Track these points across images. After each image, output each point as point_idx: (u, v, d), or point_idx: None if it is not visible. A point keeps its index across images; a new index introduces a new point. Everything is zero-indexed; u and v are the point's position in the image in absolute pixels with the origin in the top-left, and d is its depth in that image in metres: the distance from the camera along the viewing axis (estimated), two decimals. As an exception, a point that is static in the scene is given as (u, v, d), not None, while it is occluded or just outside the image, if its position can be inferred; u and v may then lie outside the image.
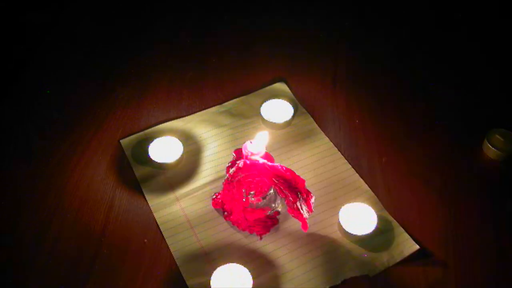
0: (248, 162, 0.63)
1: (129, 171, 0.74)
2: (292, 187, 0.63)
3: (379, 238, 0.67)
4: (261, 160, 0.63)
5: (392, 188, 0.73)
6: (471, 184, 0.74)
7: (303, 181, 0.63)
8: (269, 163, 0.63)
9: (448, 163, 0.76)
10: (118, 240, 0.67)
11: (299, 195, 0.63)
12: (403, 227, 0.68)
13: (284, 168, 0.63)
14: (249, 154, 0.63)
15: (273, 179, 0.63)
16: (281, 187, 0.63)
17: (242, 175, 0.64)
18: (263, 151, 0.66)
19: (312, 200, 0.63)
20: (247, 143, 0.64)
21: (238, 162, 0.65)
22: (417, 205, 0.71)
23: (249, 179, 0.65)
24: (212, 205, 0.69)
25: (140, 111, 0.83)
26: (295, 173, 0.63)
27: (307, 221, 0.65)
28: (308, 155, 0.76)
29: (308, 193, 0.63)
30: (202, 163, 0.75)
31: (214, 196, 0.70)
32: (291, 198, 0.63)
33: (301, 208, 0.64)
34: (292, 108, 0.80)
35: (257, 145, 0.64)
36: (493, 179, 0.74)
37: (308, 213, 0.63)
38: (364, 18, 1.02)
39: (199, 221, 0.69)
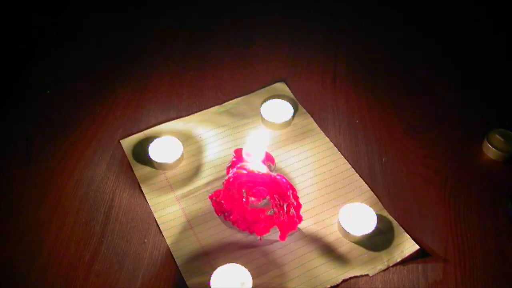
0: (249, 168, 0.64)
1: (129, 171, 0.75)
2: (287, 205, 0.63)
3: (379, 238, 0.67)
4: (263, 169, 0.64)
5: (392, 188, 0.73)
6: (471, 184, 0.74)
7: (300, 205, 0.64)
8: (273, 174, 0.63)
9: (448, 163, 0.76)
10: (118, 240, 0.67)
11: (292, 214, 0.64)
12: (403, 227, 0.68)
13: (289, 185, 0.63)
14: (248, 159, 0.64)
15: (274, 195, 0.64)
16: (278, 204, 0.64)
17: (244, 179, 0.65)
18: (263, 155, 0.67)
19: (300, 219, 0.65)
20: (246, 150, 0.64)
21: (240, 164, 0.65)
22: (417, 205, 0.71)
23: (250, 184, 0.65)
24: (216, 212, 0.69)
25: (140, 111, 0.83)
26: (296, 193, 0.64)
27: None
28: (308, 155, 0.76)
29: (300, 218, 0.65)
30: (202, 163, 0.75)
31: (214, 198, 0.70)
32: (281, 218, 0.64)
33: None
34: (292, 108, 0.80)
35: (256, 151, 0.65)
36: (493, 179, 0.74)
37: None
38: (364, 18, 1.02)
39: (199, 221, 0.69)
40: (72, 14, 1.02)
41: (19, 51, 0.94)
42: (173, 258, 0.65)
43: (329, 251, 0.66)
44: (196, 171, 0.74)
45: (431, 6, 1.05)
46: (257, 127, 0.80)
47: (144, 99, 0.85)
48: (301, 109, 0.83)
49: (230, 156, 0.73)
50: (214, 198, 0.69)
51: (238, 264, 0.61)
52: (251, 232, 0.67)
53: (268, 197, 0.65)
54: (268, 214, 0.67)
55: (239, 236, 0.67)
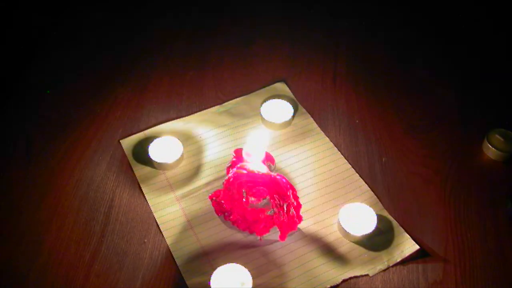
0: (249, 168, 0.64)
1: (129, 171, 0.75)
2: (287, 205, 0.63)
3: (379, 238, 0.67)
4: (263, 169, 0.64)
5: (392, 188, 0.73)
6: (471, 184, 0.74)
7: (300, 205, 0.64)
8: (273, 175, 0.63)
9: (448, 163, 0.76)
10: (118, 240, 0.67)
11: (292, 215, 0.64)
12: (403, 227, 0.68)
13: (289, 185, 0.63)
14: (248, 159, 0.64)
15: (274, 195, 0.64)
16: (278, 204, 0.64)
17: (244, 179, 0.65)
18: (263, 155, 0.67)
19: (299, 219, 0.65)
20: (246, 150, 0.64)
21: (240, 164, 0.65)
22: (417, 205, 0.71)
23: (250, 184, 0.65)
24: (216, 212, 0.69)
25: (140, 111, 0.83)
26: (296, 193, 0.64)
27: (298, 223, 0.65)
28: (308, 155, 0.76)
29: (300, 218, 0.65)
30: (202, 163, 0.75)
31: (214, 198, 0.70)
32: (282, 218, 0.64)
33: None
34: (292, 108, 0.80)
35: (256, 151, 0.64)
36: (493, 179, 0.74)
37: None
38: (364, 18, 1.02)
39: (199, 221, 0.69)
40: (72, 14, 1.02)
41: (19, 51, 0.94)
42: (173, 258, 0.65)
43: (329, 251, 0.66)
44: (196, 171, 0.74)
45: (431, 6, 1.05)
46: (257, 127, 0.80)
47: (144, 99, 0.85)
48: (301, 109, 0.83)
49: (230, 156, 0.73)
50: (214, 198, 0.69)
51: (238, 264, 0.61)
52: (251, 232, 0.67)
53: (268, 197, 0.65)
54: (268, 214, 0.67)
55: (239, 236, 0.67)
